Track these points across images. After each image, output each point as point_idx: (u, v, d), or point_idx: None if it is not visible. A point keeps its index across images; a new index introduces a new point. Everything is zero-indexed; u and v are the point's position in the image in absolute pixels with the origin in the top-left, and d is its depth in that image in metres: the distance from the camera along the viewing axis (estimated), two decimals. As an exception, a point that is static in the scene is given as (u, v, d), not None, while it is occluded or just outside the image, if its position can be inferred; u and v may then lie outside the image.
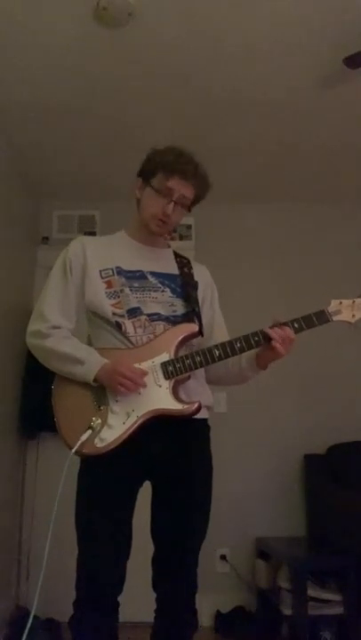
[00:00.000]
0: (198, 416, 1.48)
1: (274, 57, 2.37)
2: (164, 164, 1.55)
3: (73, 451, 1.39)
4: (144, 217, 1.60)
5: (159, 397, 1.44)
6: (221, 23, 2.19)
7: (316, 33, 2.24)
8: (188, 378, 1.49)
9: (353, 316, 1.49)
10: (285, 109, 2.74)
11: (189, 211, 1.62)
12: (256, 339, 1.47)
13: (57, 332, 1.51)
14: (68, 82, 2.53)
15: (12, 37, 2.25)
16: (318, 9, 2.12)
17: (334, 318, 1.49)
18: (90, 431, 1.40)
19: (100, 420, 1.42)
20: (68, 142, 3.03)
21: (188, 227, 3.52)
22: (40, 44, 2.29)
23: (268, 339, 1.45)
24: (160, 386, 1.45)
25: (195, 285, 1.64)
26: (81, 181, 3.42)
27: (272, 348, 1.45)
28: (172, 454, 1.48)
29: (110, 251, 1.62)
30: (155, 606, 1.50)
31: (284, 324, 1.47)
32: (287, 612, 2.50)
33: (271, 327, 1.46)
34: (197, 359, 1.46)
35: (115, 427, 1.41)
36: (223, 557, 3.08)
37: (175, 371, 1.45)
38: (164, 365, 1.46)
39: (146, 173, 1.60)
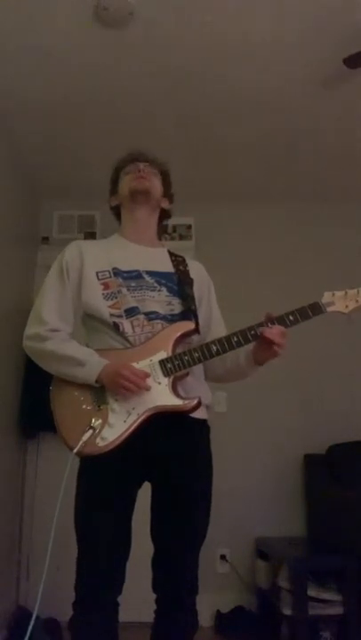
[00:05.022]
0: (197, 417, 1.49)
1: (274, 57, 2.38)
2: (120, 164, 1.74)
3: (74, 451, 1.39)
4: (125, 192, 1.68)
5: (159, 394, 1.44)
6: (221, 23, 2.19)
7: (317, 33, 2.24)
8: (187, 374, 1.49)
9: (346, 306, 1.50)
10: (285, 109, 2.74)
11: (167, 186, 1.74)
12: (253, 332, 1.47)
13: (56, 335, 1.51)
14: (68, 82, 2.53)
15: (12, 37, 2.26)
16: (318, 9, 2.12)
17: (328, 309, 1.50)
18: (91, 431, 1.40)
19: (100, 420, 1.42)
20: (68, 142, 3.03)
21: (188, 227, 3.52)
22: (40, 44, 2.29)
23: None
24: (159, 383, 1.45)
25: (190, 283, 1.65)
26: (81, 181, 3.42)
27: (269, 349, 1.47)
28: (172, 455, 1.47)
29: (106, 253, 1.63)
30: (154, 606, 1.50)
31: (278, 318, 1.48)
32: (287, 611, 2.50)
33: (264, 323, 1.47)
34: (195, 355, 1.47)
35: (115, 425, 1.41)
36: (223, 557, 3.08)
37: (174, 368, 1.46)
38: (163, 363, 1.46)
39: (113, 183, 1.77)
